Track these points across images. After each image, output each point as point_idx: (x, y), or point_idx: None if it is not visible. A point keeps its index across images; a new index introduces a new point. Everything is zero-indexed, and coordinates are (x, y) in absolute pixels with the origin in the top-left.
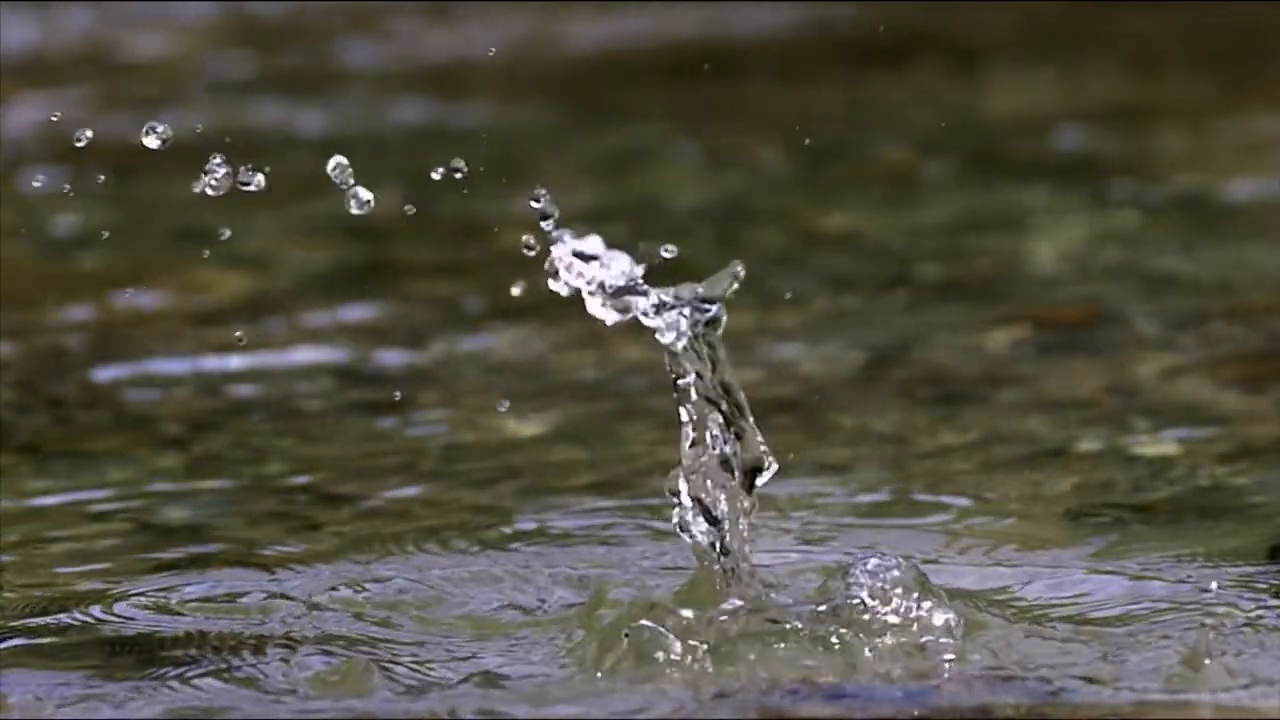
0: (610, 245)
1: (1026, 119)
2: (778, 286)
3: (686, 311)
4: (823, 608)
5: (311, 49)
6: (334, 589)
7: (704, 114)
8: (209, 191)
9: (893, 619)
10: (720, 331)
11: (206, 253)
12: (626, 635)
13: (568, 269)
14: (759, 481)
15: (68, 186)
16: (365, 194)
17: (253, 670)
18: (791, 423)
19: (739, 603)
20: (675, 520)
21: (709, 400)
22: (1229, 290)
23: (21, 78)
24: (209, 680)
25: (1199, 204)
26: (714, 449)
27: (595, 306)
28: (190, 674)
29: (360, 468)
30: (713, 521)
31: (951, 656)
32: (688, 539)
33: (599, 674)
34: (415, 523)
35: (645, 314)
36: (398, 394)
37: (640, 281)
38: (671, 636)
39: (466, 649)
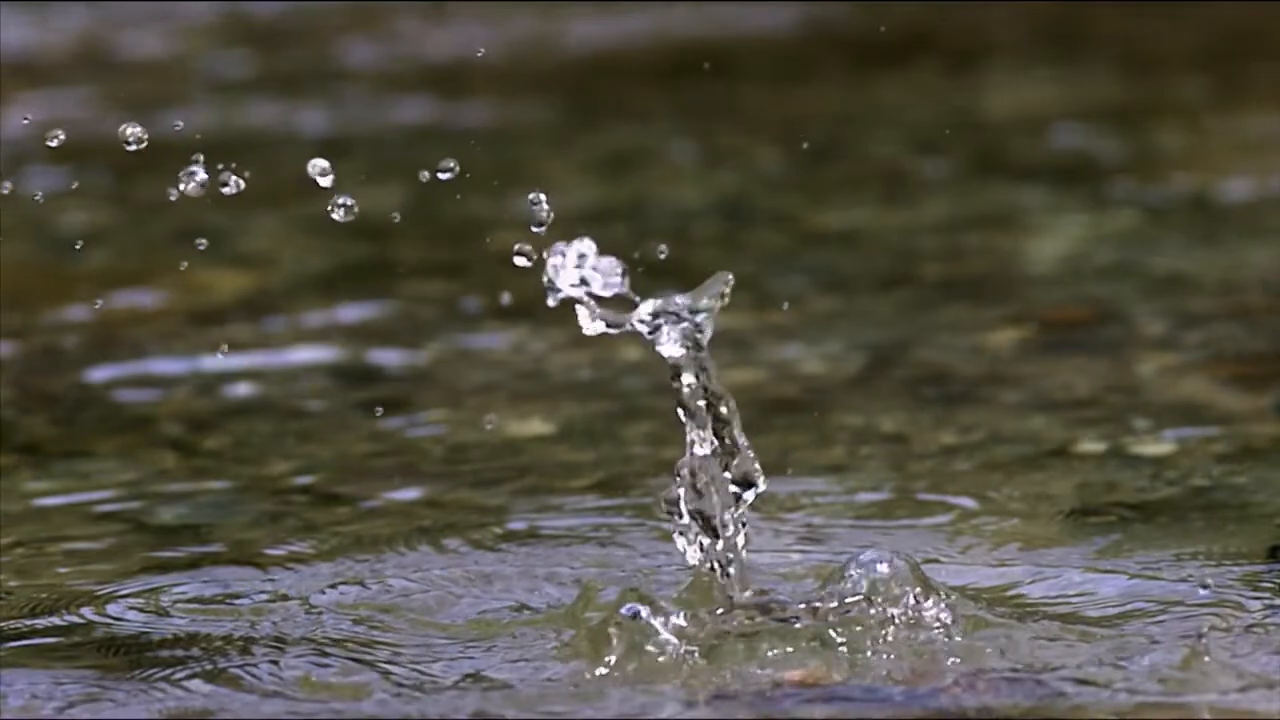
0: (601, 251)
1: (1026, 119)
2: (777, 287)
3: (675, 322)
4: (822, 607)
5: (311, 49)
6: (332, 589)
7: (703, 114)
8: (188, 194)
9: (893, 619)
10: (707, 339)
11: (184, 264)
12: (618, 624)
13: (562, 278)
14: (749, 496)
15: (75, 184)
16: (348, 200)
17: (250, 671)
18: (792, 423)
19: (737, 603)
20: (673, 530)
21: (701, 411)
22: (1229, 290)
23: (20, 78)
24: (207, 680)
25: (1199, 204)
26: (706, 462)
27: (587, 323)
28: (188, 674)
29: (359, 468)
30: (709, 532)
31: (952, 656)
32: (682, 545)
33: (595, 675)
34: (414, 523)
35: (633, 327)
36: (379, 409)
37: (627, 288)
38: (659, 626)
39: (463, 649)
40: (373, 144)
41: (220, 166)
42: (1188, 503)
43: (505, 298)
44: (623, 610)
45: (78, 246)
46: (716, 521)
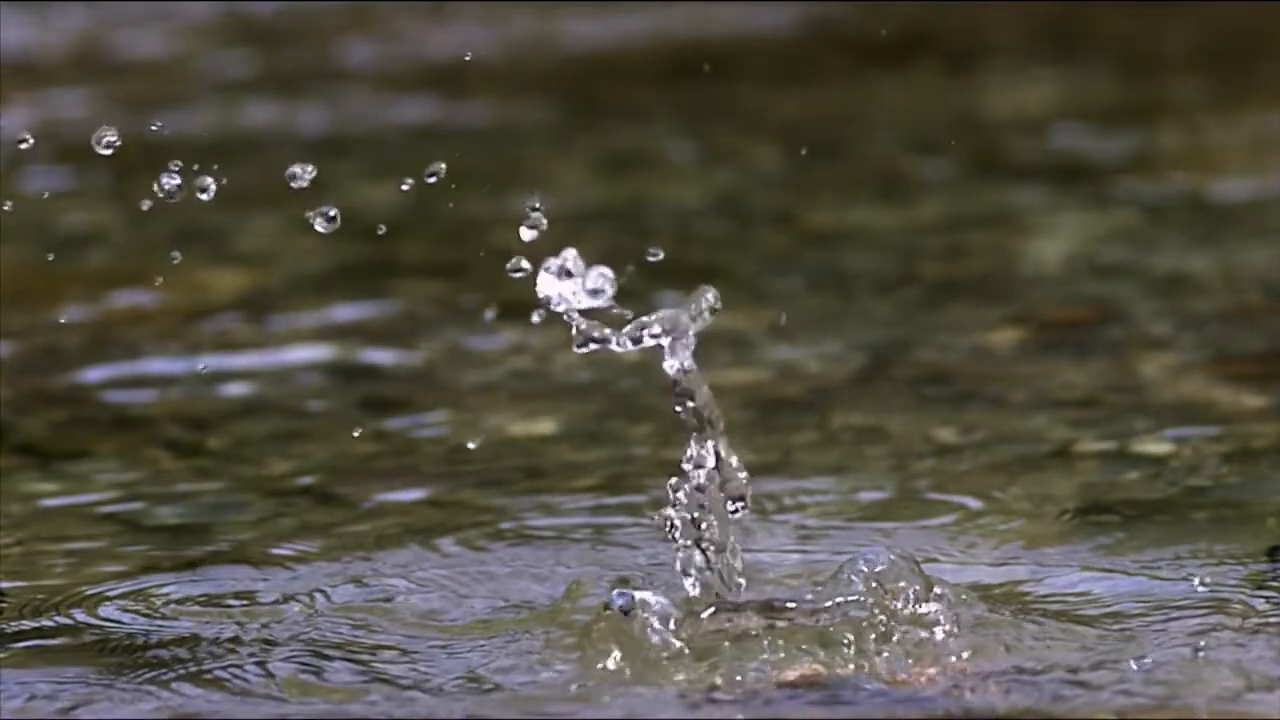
0: (601, 251)
1: (1026, 119)
2: (777, 287)
3: (664, 336)
4: (821, 607)
5: (311, 48)
6: (331, 590)
7: (703, 114)
8: (164, 198)
9: (893, 618)
10: (691, 353)
11: (163, 276)
12: (612, 622)
13: (551, 289)
14: (739, 511)
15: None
16: (331, 211)
17: (247, 672)
18: (792, 423)
19: (735, 603)
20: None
21: (692, 426)
22: (1229, 290)
23: (19, 78)
24: (204, 681)
25: (1199, 204)
26: (697, 479)
27: (576, 341)
28: (185, 675)
29: (357, 468)
30: (699, 548)
31: (952, 656)
32: (680, 565)
33: (591, 675)
34: (414, 523)
35: (621, 345)
36: (357, 430)
37: (612, 300)
38: (656, 625)
39: (460, 650)
40: (372, 144)
41: (196, 167)
42: (1188, 502)
43: (489, 314)
44: (613, 598)
45: (51, 256)
46: (707, 539)
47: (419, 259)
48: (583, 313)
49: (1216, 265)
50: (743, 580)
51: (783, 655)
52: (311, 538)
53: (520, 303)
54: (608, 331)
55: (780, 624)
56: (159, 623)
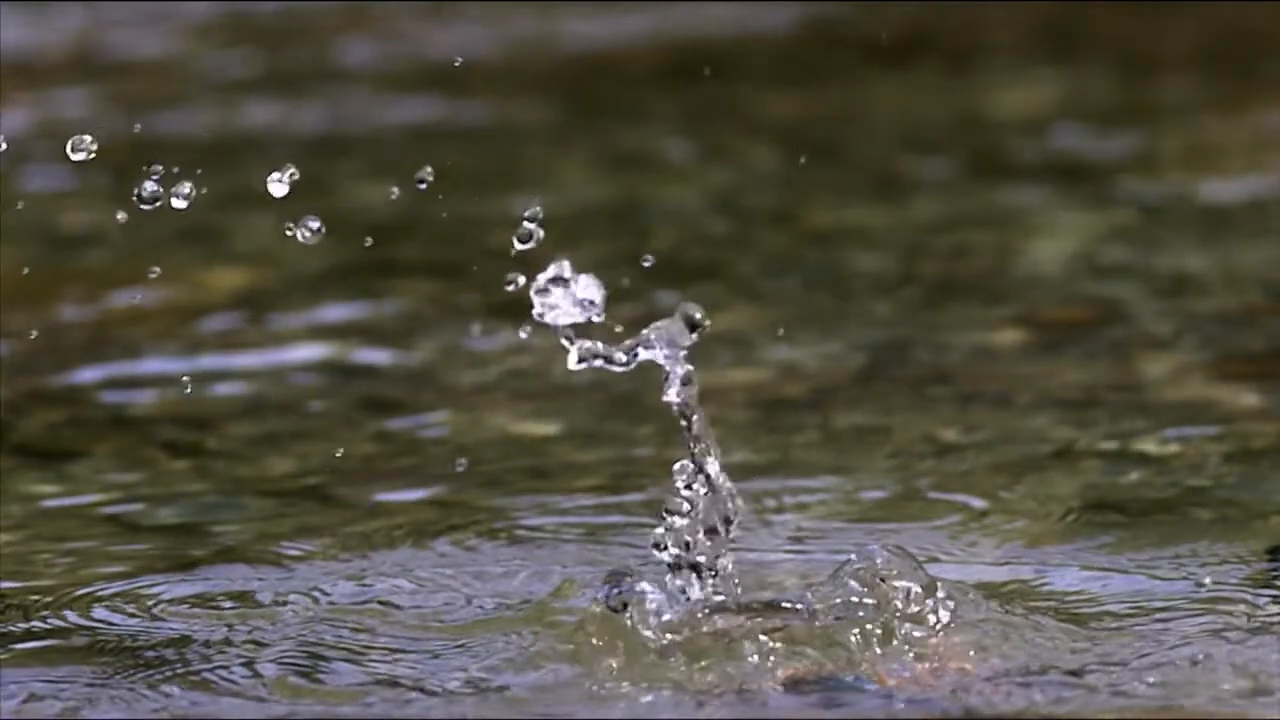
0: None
1: (1026, 119)
2: (777, 287)
3: (657, 357)
4: (820, 606)
5: (311, 48)
6: (330, 590)
7: (703, 114)
8: (142, 206)
9: (893, 618)
10: (684, 376)
11: (150, 282)
12: (606, 619)
13: (542, 304)
14: (728, 530)
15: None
16: (314, 222)
17: (245, 672)
18: (793, 422)
19: (734, 603)
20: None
21: (687, 441)
22: (1229, 290)
23: (18, 78)
24: (201, 682)
25: (1199, 204)
26: (690, 498)
27: (571, 360)
28: (183, 676)
29: (357, 468)
30: (693, 566)
31: (953, 657)
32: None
33: (588, 675)
34: (413, 523)
35: (618, 365)
36: (339, 451)
37: (602, 313)
38: (654, 624)
39: (459, 650)
40: (372, 144)
41: (176, 169)
42: (1188, 502)
43: (475, 331)
44: (606, 592)
45: (26, 270)
46: (701, 559)
47: (417, 259)
48: (576, 328)
49: (1216, 265)
50: (739, 587)
51: (782, 655)
52: (310, 538)
53: (520, 303)
54: (601, 347)
55: (781, 624)
56: (157, 623)
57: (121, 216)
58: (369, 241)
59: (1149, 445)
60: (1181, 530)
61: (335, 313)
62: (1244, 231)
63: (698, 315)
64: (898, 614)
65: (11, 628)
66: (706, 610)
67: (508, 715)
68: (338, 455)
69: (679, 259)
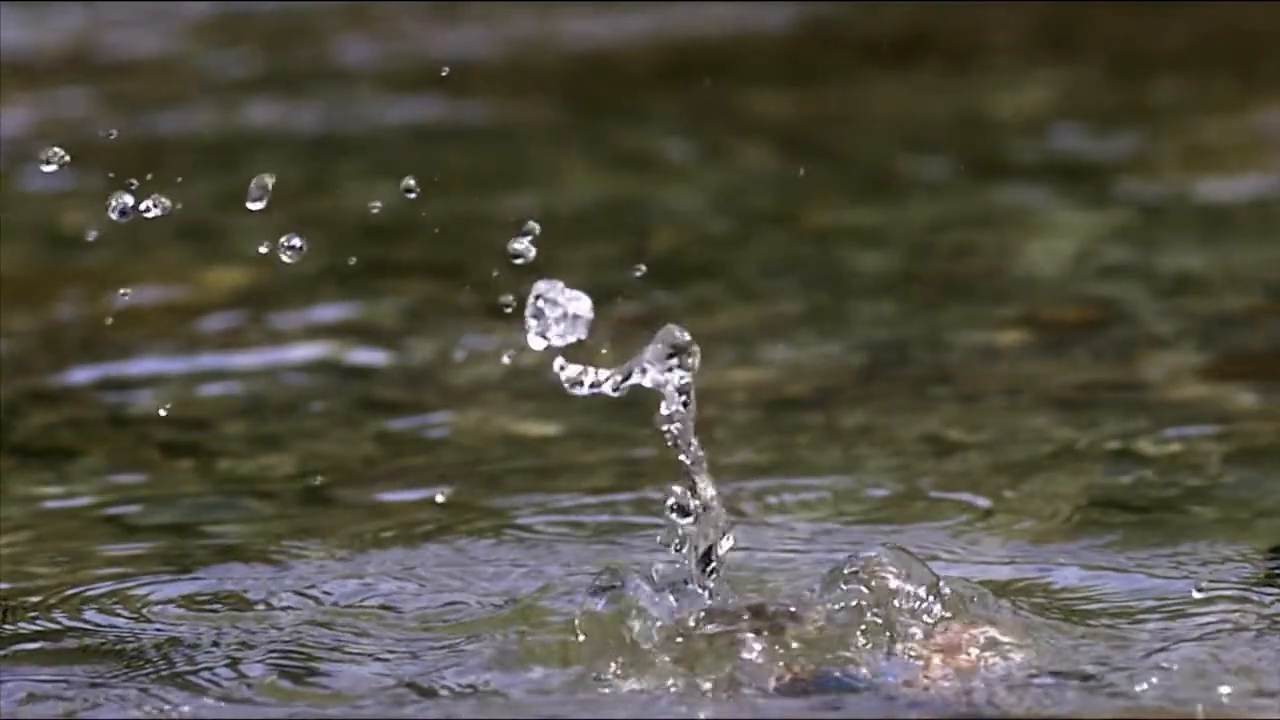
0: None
1: (1026, 119)
2: (777, 287)
3: (648, 380)
4: (823, 606)
5: (310, 48)
6: (328, 589)
7: (703, 114)
8: (115, 217)
9: (895, 618)
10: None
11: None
12: (601, 618)
13: (536, 327)
14: (719, 552)
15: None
16: (297, 240)
17: (242, 673)
18: (794, 422)
19: (733, 603)
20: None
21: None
22: (1230, 290)
23: (17, 78)
24: (200, 682)
25: (1198, 204)
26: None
27: (569, 383)
28: (181, 676)
29: (356, 468)
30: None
31: (955, 657)
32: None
33: (585, 675)
34: (412, 523)
35: (611, 390)
36: (318, 478)
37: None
38: (652, 623)
39: (456, 651)
40: (372, 144)
41: (149, 177)
42: (1189, 502)
43: (459, 355)
44: (597, 587)
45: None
46: (695, 580)
47: (417, 259)
48: (566, 351)
49: (1216, 265)
50: (738, 587)
51: (783, 655)
52: (310, 538)
53: (518, 306)
54: (593, 373)
55: (781, 624)
56: (154, 624)
57: (116, 216)
58: (353, 261)
59: (1150, 445)
60: (1183, 530)
61: (334, 312)
62: (1244, 231)
63: (684, 338)
64: (898, 614)
65: (9, 628)
66: (705, 610)
67: (507, 716)
68: (316, 482)
69: (679, 259)
